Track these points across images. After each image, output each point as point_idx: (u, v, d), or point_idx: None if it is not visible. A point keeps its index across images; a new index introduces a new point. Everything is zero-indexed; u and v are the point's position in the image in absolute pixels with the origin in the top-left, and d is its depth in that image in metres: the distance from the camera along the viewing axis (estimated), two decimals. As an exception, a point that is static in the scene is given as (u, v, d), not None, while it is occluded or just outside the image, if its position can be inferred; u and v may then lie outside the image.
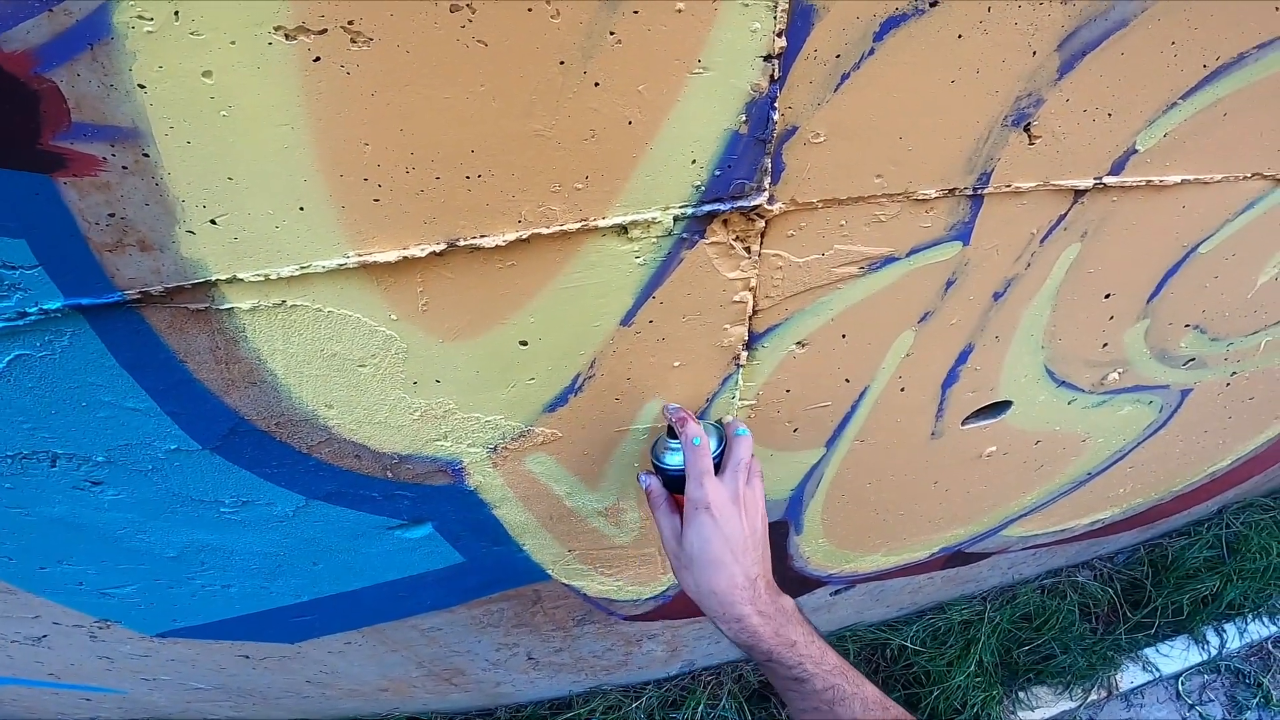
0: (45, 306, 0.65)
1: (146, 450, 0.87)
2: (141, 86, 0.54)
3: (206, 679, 1.59)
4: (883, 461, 1.22)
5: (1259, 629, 2.14)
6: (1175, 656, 2.08)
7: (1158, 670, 2.06)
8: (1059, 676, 2.03)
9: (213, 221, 0.62)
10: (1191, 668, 2.08)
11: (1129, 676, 2.06)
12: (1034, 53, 0.72)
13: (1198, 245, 1.02)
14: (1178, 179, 0.90)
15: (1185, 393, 1.32)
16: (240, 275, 0.67)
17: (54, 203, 0.58)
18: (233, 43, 0.53)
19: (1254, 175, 0.95)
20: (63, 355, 0.72)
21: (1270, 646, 2.13)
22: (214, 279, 0.66)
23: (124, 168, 0.57)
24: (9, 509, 0.94)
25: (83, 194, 0.58)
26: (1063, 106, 0.78)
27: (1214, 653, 2.09)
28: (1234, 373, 1.32)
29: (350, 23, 0.54)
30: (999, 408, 1.18)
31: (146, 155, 0.57)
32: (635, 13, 0.59)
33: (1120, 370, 1.18)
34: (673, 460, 0.81)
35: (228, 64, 0.54)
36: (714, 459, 0.79)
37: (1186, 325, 1.15)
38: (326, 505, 1.04)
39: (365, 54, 0.56)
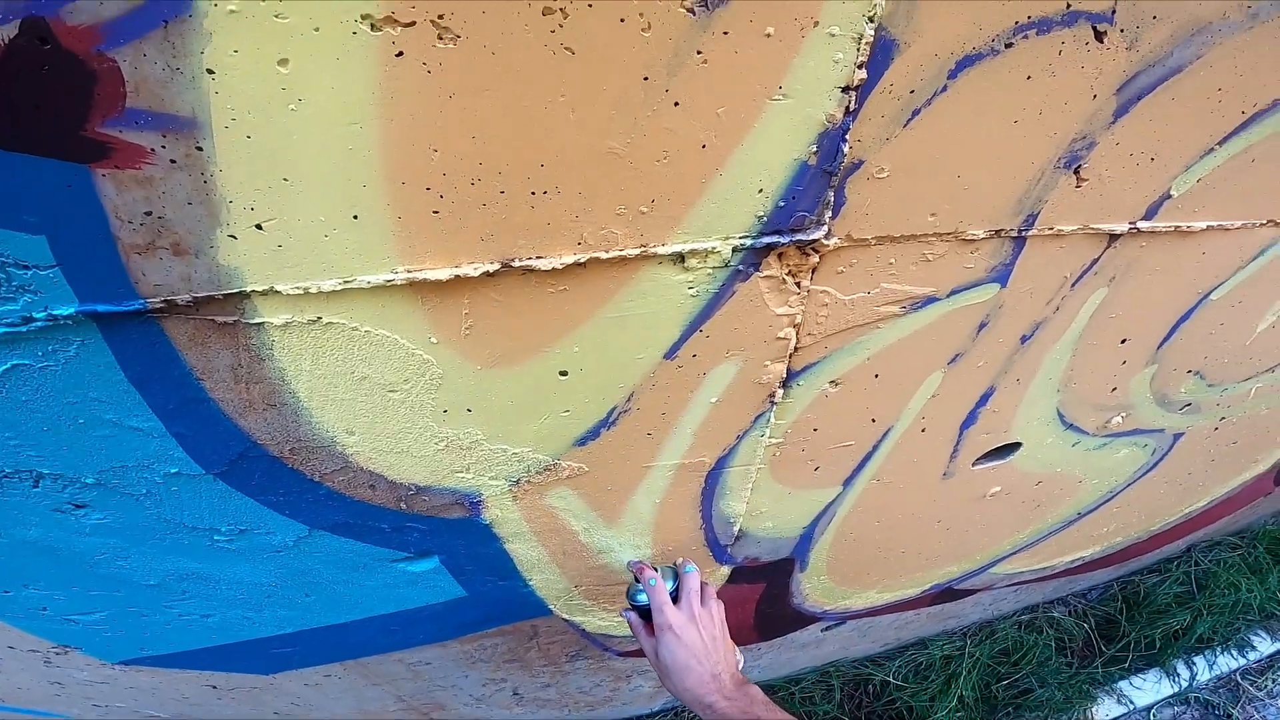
0: (55, 312, 0.57)
1: (143, 473, 0.78)
2: (210, 72, 0.47)
3: (165, 708, 1.44)
4: (895, 501, 1.19)
5: (1228, 661, 2.16)
6: (1148, 689, 2.09)
7: (1132, 703, 2.06)
8: (1037, 710, 2.00)
9: (259, 226, 0.56)
10: (1163, 700, 2.09)
11: (1104, 709, 2.05)
12: (1094, 96, 0.72)
13: (1210, 292, 1.03)
14: (1203, 225, 0.90)
15: (1177, 436, 1.33)
16: (278, 287, 0.60)
17: (87, 197, 0.51)
18: (316, 29, 0.48)
19: (1268, 222, 0.97)
20: (66, 367, 0.63)
21: (1239, 678, 2.15)
22: (249, 290, 0.59)
23: (172, 161, 0.51)
24: (-22, 530, 0.83)
25: (121, 188, 0.51)
26: (1112, 150, 0.77)
27: (1184, 685, 2.10)
28: (1223, 418, 1.34)
29: (440, 17, 0.50)
30: (1008, 449, 1.17)
31: (200, 149, 0.51)
32: (725, 33, 0.56)
33: (1124, 414, 1.18)
34: (642, 599, 0.98)
35: (307, 52, 0.49)
36: (671, 592, 0.96)
37: (1189, 371, 1.16)
38: (330, 536, 0.95)
39: (450, 53, 0.51)
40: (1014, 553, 1.60)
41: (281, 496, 0.85)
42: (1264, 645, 2.21)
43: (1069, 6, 0.64)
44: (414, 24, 0.49)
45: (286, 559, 0.98)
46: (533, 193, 0.60)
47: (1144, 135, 0.78)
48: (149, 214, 0.53)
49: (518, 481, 0.89)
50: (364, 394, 0.72)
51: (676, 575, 1.00)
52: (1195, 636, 2.14)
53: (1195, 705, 2.10)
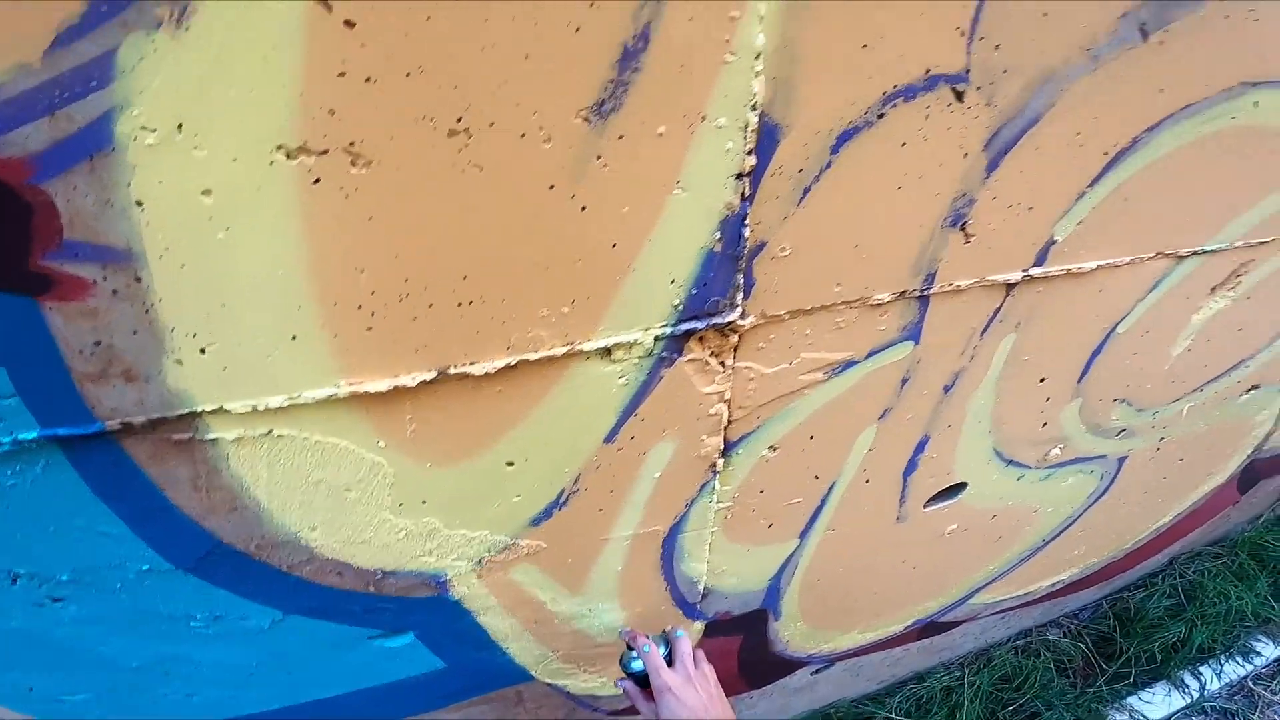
0: (19, 437, 0.60)
1: (116, 571, 0.80)
2: (139, 204, 0.51)
3: (156, 784, 1.41)
4: (853, 548, 1.21)
5: (1235, 669, 2.12)
6: (1159, 702, 2.04)
7: (1145, 717, 2.01)
8: (1049, 733, 1.96)
9: (202, 351, 0.59)
10: (1177, 712, 2.04)
11: (1119, 725, 2.00)
12: (965, 154, 0.77)
13: (1116, 326, 1.07)
14: (1093, 264, 0.95)
15: (1121, 460, 1.35)
16: (227, 406, 0.63)
17: (38, 329, 0.53)
18: (234, 160, 0.52)
19: (1156, 255, 1.01)
20: (33, 485, 0.66)
21: (1251, 684, 2.11)
22: (200, 410, 0.63)
23: (114, 292, 0.54)
24: (-41, 621, 0.84)
25: (68, 320, 0.54)
26: (991, 204, 0.82)
27: (1196, 696, 2.06)
28: (1162, 438, 1.37)
29: (352, 144, 0.54)
30: (956, 489, 1.19)
31: (139, 279, 0.54)
32: (620, 137, 0.61)
33: (1060, 446, 1.21)
34: (636, 665, 1.00)
35: (228, 182, 0.52)
36: (665, 656, 0.99)
37: (1115, 400, 1.19)
38: (305, 619, 0.96)
39: (365, 177, 0.56)
40: (989, 583, 1.61)
41: (253, 586, 0.87)
42: (1267, 650, 2.17)
43: (928, 71, 0.70)
44: (327, 152, 0.54)
45: (264, 641, 0.99)
46: (459, 304, 0.64)
47: (1018, 186, 0.82)
48: (98, 344, 0.56)
49: (480, 561, 0.91)
50: (321, 495, 0.75)
51: (668, 641, 1.02)
52: (1195, 647, 2.11)
53: (1213, 714, 2.05)
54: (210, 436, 0.65)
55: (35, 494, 0.67)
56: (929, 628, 1.71)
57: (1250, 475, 1.82)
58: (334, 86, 0.52)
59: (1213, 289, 1.12)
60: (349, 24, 0.50)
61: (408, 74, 0.53)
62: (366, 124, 0.54)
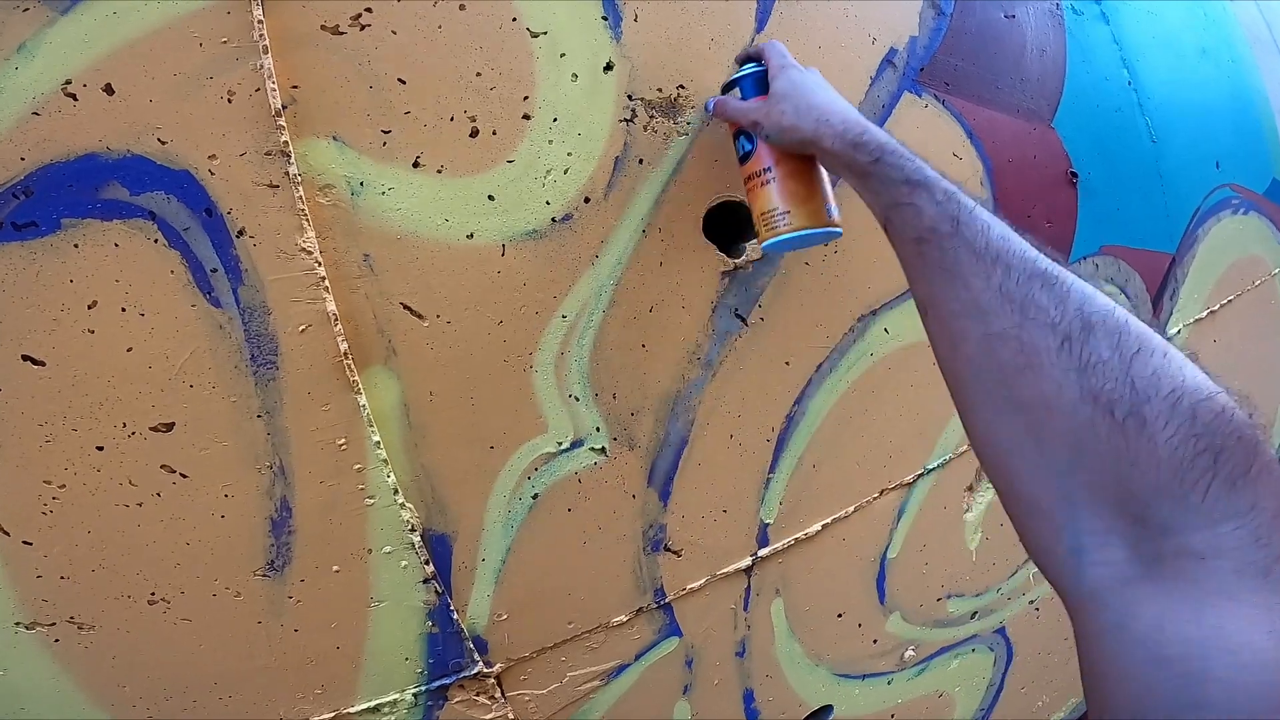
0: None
1: None
2: None
3: None
4: (749, 787, 1.10)
5: None
6: None
7: None
8: None
9: None
10: None
11: None
12: (634, 495, 0.80)
13: (884, 554, 1.01)
14: (818, 526, 0.91)
15: (1000, 630, 1.23)
16: None
17: None
18: None
19: (881, 493, 0.96)
20: None
21: None
22: None
23: None
24: None
25: None
26: (684, 523, 0.83)
27: None
28: (1031, 601, 1.25)
29: (72, 618, 0.65)
30: (824, 711, 1.10)
31: None
32: (302, 580, 0.69)
33: (912, 648, 1.12)
34: (748, 69, 0.71)
35: None
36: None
37: (939, 599, 1.12)
38: None
39: (94, 635, 0.66)
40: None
41: None
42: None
43: (560, 445, 0.76)
44: (55, 624, 0.64)
45: None
46: (220, 699, 0.70)
47: (699, 500, 0.83)
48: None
49: None
50: None
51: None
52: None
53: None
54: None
55: None
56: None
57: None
58: (40, 584, 0.63)
59: (969, 488, 1.08)
60: (27, 543, 0.63)
61: (93, 570, 0.64)
62: (77, 604, 0.65)
